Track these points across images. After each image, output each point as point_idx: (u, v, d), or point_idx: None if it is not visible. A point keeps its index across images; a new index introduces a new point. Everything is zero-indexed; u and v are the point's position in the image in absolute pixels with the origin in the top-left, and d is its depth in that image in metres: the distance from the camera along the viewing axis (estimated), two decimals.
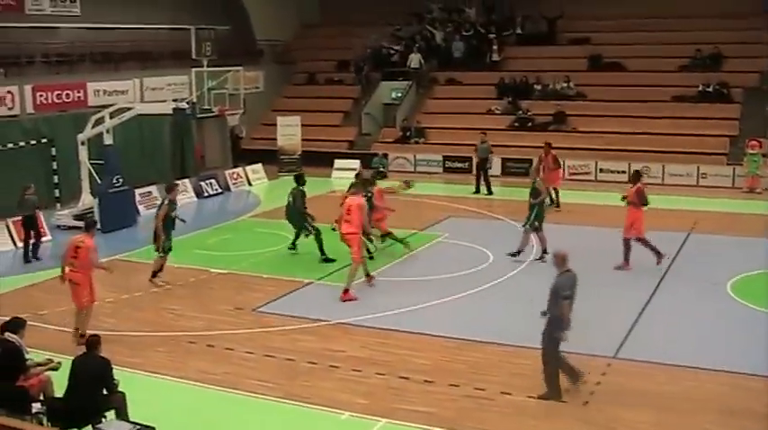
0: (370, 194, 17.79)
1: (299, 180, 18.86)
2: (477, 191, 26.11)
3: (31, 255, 19.14)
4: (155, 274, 16.80)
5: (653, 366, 12.15)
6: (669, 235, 19.96)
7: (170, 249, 16.88)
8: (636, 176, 17.82)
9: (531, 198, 17.90)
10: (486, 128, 28.17)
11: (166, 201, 16.99)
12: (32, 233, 19.26)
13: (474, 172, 26.97)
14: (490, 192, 25.96)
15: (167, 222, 16.74)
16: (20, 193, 19.39)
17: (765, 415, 10.65)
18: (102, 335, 10.49)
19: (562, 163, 26.83)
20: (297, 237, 18.81)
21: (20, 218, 19.40)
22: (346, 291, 15.50)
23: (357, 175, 19.70)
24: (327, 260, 18.00)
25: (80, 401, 9.40)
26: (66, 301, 14.74)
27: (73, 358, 9.85)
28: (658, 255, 17.18)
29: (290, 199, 18.70)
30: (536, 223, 17.79)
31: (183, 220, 17.54)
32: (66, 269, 13.45)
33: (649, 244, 17.15)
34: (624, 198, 17.34)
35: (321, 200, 21.97)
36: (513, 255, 17.86)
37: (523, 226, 18.04)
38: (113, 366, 9.83)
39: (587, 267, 16.84)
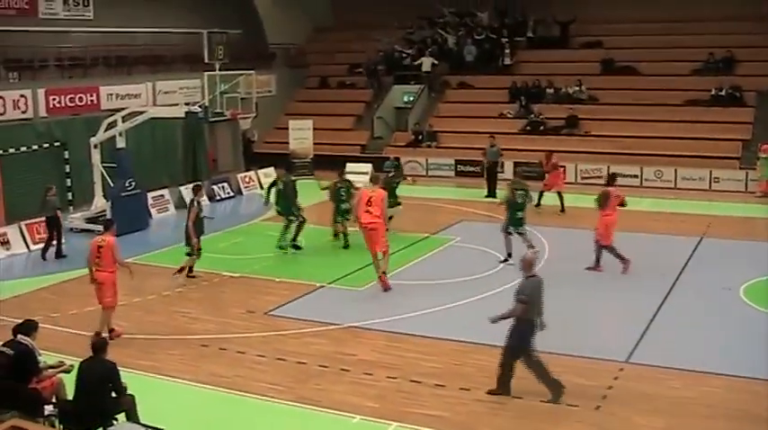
0: (356, 189, 18.31)
1: (292, 170, 19.59)
2: (489, 194, 26.10)
3: (55, 256, 19.22)
4: (190, 270, 17.22)
5: (666, 371, 12.10)
6: (682, 239, 19.95)
7: (200, 250, 17.11)
8: (610, 178, 17.68)
9: None
10: (498, 132, 28.15)
11: (195, 203, 17.14)
12: (54, 234, 19.34)
13: (485, 176, 26.97)
14: (494, 196, 25.92)
15: (197, 224, 16.90)
16: (42, 195, 19.56)
17: None
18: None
19: (574, 166, 27.24)
20: (295, 234, 19.08)
21: (43, 219, 19.51)
22: (384, 273, 15.95)
23: (340, 173, 20.16)
24: (296, 247, 19.13)
25: (89, 404, 9.42)
26: (77, 304, 14.85)
27: (80, 361, 9.88)
28: (597, 265, 17.24)
29: (281, 186, 19.14)
30: (510, 227, 17.85)
31: (210, 217, 17.80)
32: (93, 269, 13.54)
33: (598, 252, 17.17)
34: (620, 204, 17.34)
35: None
36: (505, 260, 17.85)
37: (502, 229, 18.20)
38: (126, 369, 9.86)
39: (599, 272, 17.04)
